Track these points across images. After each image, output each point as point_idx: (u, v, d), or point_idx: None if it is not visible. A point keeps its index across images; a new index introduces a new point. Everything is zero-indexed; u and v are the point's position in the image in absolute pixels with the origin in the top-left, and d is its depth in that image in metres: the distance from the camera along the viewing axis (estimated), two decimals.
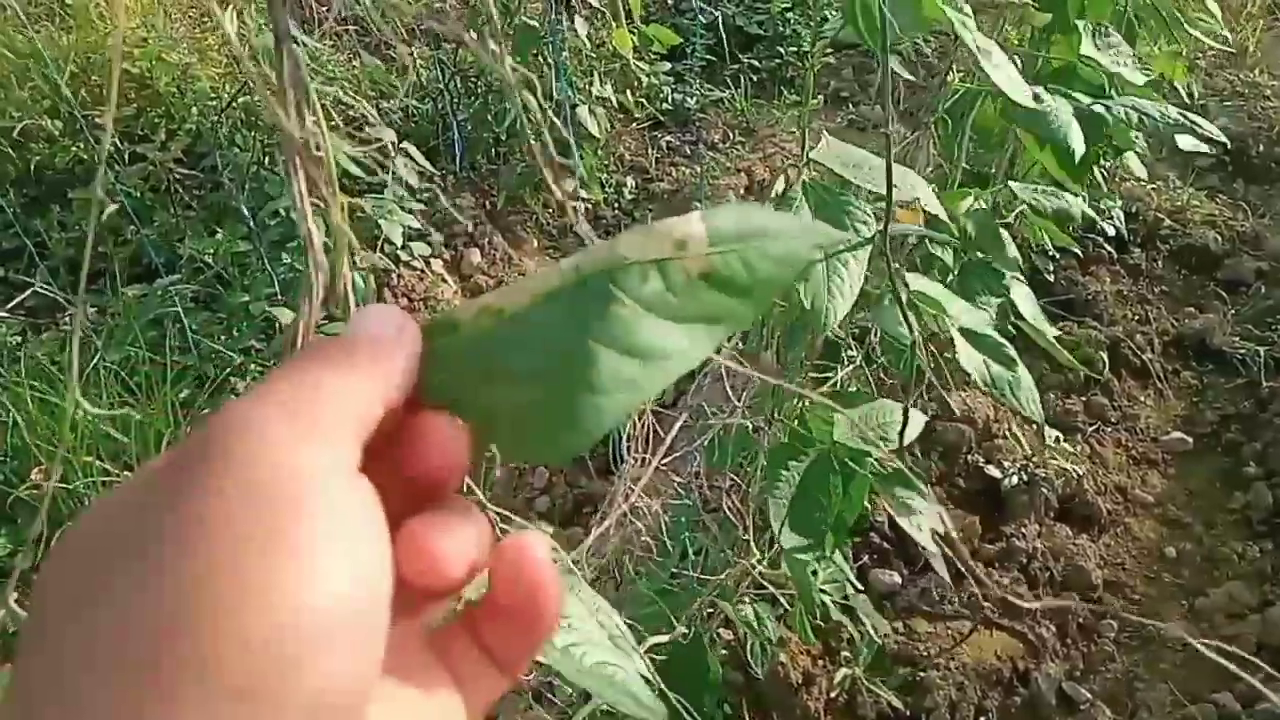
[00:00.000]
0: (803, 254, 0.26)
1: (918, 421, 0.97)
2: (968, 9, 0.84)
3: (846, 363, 1.20)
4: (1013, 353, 0.96)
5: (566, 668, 0.37)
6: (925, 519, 0.92)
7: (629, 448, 1.07)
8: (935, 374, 1.05)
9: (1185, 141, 1.19)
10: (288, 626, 0.19)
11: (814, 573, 1.18)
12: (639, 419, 1.06)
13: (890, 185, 0.77)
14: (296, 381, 0.23)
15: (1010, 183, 1.26)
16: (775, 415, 1.09)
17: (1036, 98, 0.96)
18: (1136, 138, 1.40)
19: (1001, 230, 1.18)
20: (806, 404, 0.96)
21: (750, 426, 1.12)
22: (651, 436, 1.05)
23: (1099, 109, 1.05)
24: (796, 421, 0.97)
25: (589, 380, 0.24)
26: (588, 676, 0.38)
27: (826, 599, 1.26)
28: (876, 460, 0.92)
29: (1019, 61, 0.94)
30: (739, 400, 1.16)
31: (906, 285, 0.91)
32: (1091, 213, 1.28)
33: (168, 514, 0.20)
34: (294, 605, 0.19)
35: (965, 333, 0.94)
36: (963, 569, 1.70)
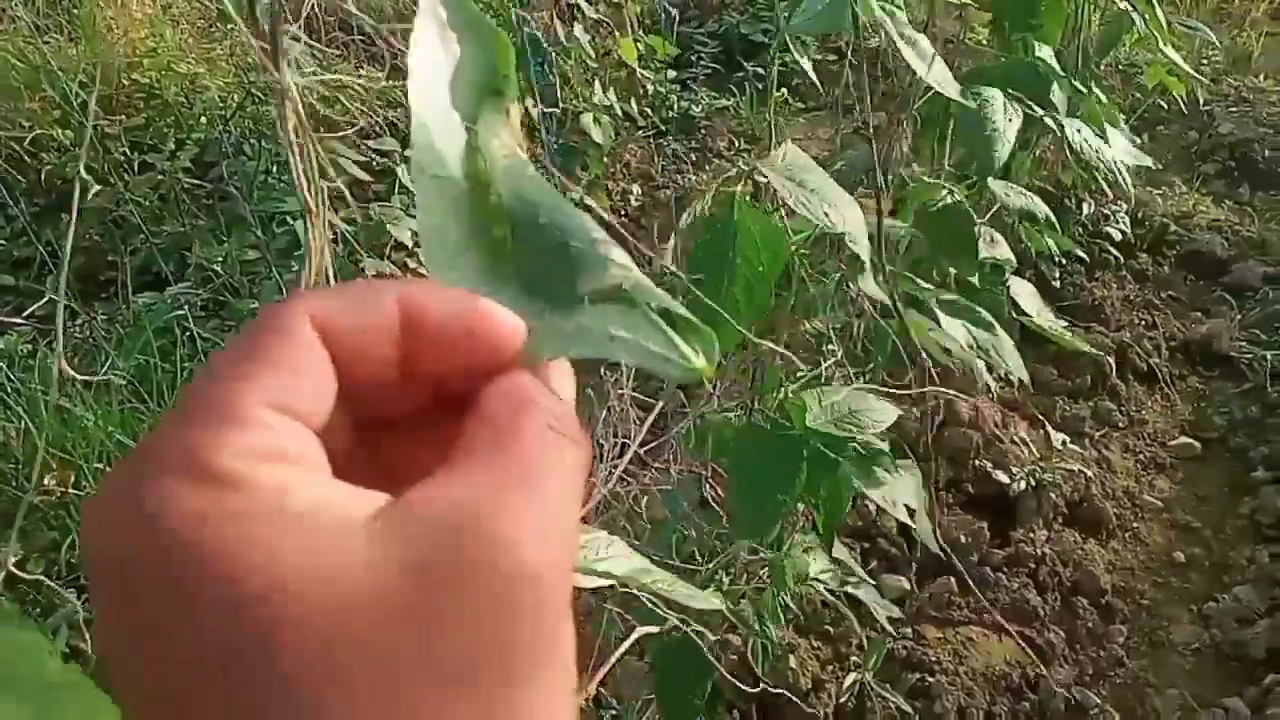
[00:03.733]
0: None
1: (889, 411, 0.99)
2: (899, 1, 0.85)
3: (827, 356, 1.21)
4: (989, 317, 0.97)
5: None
6: (901, 494, 0.95)
7: (606, 433, 1.06)
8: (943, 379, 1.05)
9: (1123, 153, 1.19)
10: None
11: (807, 567, 1.18)
12: (617, 403, 1.06)
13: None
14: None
15: (987, 178, 1.26)
16: (754, 404, 1.09)
17: (977, 94, 0.96)
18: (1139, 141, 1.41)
19: (977, 225, 1.18)
20: (785, 393, 0.96)
21: (731, 415, 1.12)
22: (632, 423, 1.05)
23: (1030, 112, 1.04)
24: (775, 410, 0.98)
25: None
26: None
27: (821, 589, 1.25)
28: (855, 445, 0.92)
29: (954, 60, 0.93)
30: (714, 389, 1.16)
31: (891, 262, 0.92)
32: (1050, 215, 1.28)
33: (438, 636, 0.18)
34: None
35: (943, 304, 0.95)
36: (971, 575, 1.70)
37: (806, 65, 0.86)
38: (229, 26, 2.90)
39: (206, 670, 0.17)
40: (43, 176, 2.51)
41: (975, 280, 1.12)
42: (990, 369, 1.04)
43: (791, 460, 0.86)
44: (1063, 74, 1.14)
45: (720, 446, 0.97)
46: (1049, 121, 1.00)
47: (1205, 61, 3.17)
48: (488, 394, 0.22)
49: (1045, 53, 1.18)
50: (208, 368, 0.21)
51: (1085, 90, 1.19)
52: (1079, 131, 1.02)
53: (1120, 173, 1.06)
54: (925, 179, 1.25)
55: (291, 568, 0.18)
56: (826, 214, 0.81)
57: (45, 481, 1.60)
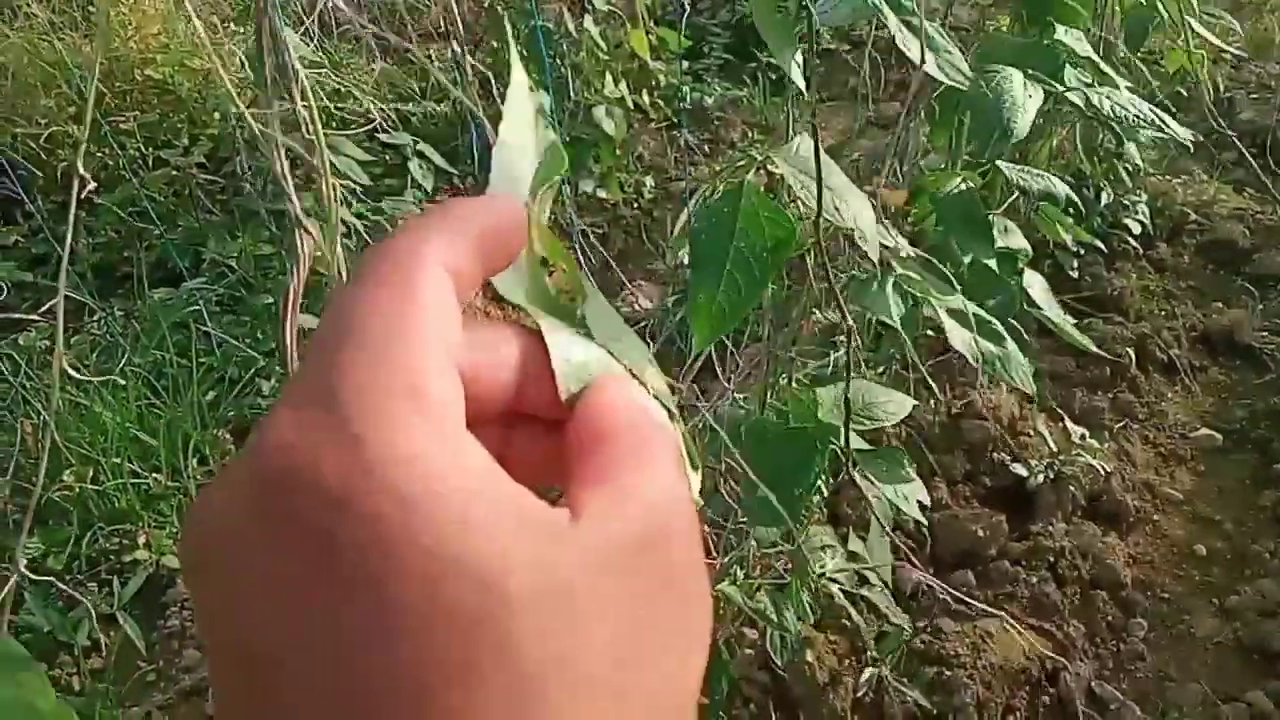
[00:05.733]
0: None
1: (904, 403, 0.98)
2: None
3: (839, 349, 1.20)
4: (1000, 329, 0.96)
5: None
6: (912, 491, 0.94)
7: None
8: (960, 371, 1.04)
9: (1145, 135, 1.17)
10: None
11: (822, 562, 1.18)
12: None
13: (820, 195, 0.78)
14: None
15: (998, 163, 1.24)
16: (767, 399, 1.09)
17: (993, 73, 0.94)
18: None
19: (991, 216, 1.17)
20: (795, 387, 0.96)
21: (742, 409, 1.11)
22: None
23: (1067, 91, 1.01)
24: (789, 404, 0.97)
25: None
26: None
27: (835, 587, 1.25)
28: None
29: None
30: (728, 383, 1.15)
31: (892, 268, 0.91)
32: (1073, 195, 1.25)
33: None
34: None
35: (952, 313, 0.94)
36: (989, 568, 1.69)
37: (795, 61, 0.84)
38: (248, 27, 2.90)
39: (411, 638, 0.17)
40: (59, 173, 2.52)
41: (994, 265, 1.10)
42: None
43: (805, 453, 0.85)
44: (1084, 55, 1.12)
45: (735, 440, 0.96)
46: (1072, 97, 0.97)
47: (1226, 48, 3.13)
48: (599, 412, 0.23)
49: (1069, 35, 1.16)
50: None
51: (1103, 73, 1.17)
52: (1106, 98, 0.98)
53: (1160, 118, 1.02)
54: (941, 168, 1.23)
55: (515, 553, 0.18)
56: (836, 208, 0.80)
57: (64, 477, 1.61)
